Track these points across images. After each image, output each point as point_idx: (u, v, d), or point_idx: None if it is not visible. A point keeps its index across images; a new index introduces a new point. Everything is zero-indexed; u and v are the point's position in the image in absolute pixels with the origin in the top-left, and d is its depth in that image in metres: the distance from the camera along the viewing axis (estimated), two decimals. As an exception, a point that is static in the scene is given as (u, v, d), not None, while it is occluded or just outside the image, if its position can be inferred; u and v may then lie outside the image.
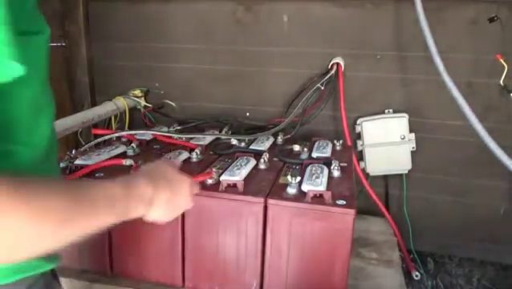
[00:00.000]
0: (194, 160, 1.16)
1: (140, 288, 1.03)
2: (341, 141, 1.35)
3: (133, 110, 1.68)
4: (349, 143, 1.49)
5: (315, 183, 0.96)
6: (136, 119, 1.70)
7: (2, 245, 0.41)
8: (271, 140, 1.39)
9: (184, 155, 1.18)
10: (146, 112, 1.67)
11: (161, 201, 0.64)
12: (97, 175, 1.02)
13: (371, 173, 1.58)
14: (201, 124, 1.57)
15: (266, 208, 0.92)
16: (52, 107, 0.60)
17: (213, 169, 1.05)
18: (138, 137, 1.33)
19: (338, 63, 1.50)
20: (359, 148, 1.57)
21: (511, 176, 1.22)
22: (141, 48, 1.72)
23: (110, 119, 1.61)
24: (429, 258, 1.65)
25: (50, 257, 0.60)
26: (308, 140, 1.38)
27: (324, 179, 1.00)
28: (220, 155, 1.21)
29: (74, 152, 1.15)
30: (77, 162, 1.08)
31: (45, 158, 0.58)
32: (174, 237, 0.99)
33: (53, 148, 0.62)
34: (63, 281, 1.01)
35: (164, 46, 1.71)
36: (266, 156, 1.14)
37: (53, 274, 0.66)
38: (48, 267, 0.61)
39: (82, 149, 1.24)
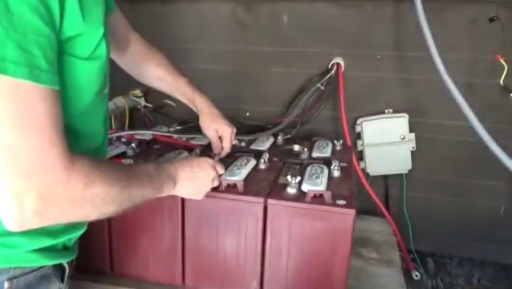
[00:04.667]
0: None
1: (140, 288, 1.03)
2: (341, 141, 1.35)
3: (133, 110, 1.68)
4: (349, 143, 1.49)
5: (315, 183, 0.96)
6: (135, 119, 1.70)
7: (85, 201, 0.56)
8: (271, 140, 1.39)
9: (185, 155, 1.17)
10: (146, 112, 1.67)
11: (183, 177, 0.79)
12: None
13: (371, 173, 1.58)
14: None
15: (265, 208, 0.92)
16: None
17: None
18: (138, 137, 1.33)
19: (338, 63, 1.50)
20: (359, 148, 1.57)
21: (511, 176, 1.22)
22: (141, 48, 1.72)
23: (110, 119, 1.60)
24: (429, 258, 1.64)
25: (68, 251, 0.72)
26: (308, 140, 1.38)
27: (324, 179, 1.00)
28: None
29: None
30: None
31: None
32: (174, 236, 1.00)
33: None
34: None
35: (164, 46, 1.70)
36: (266, 156, 1.14)
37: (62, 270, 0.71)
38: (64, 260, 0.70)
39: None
